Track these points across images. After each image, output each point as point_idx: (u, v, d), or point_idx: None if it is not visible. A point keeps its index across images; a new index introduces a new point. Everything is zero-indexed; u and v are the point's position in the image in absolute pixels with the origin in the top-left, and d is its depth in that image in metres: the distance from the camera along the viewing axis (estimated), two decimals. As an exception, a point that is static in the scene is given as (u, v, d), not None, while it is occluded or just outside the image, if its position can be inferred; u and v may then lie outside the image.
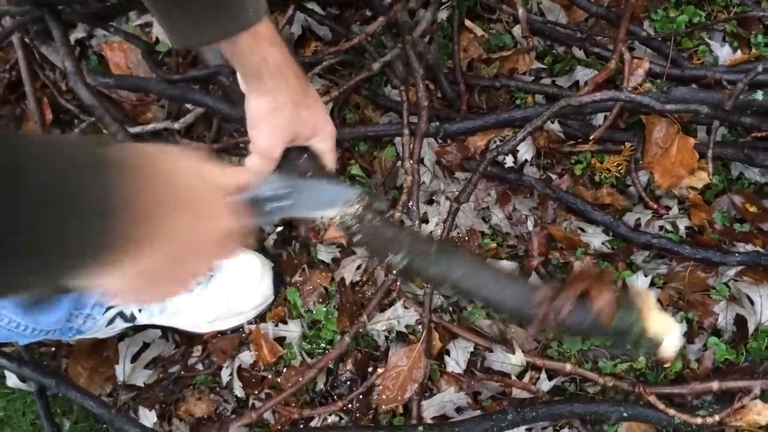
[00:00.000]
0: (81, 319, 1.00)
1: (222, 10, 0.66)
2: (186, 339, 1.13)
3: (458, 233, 1.13)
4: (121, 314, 1.06)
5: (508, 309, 0.64)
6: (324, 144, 0.78)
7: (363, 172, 1.17)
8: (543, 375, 1.02)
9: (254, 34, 0.69)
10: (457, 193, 1.09)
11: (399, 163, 1.17)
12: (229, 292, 1.09)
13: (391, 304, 1.08)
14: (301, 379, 1.04)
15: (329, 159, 0.79)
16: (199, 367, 1.12)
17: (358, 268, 1.10)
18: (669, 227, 1.09)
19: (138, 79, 1.16)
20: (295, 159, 0.77)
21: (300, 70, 0.75)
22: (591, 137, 1.03)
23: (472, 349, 1.05)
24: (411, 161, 1.00)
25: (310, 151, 0.78)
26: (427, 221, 1.14)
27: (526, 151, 1.13)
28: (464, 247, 1.12)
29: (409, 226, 1.02)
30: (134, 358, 1.12)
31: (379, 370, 1.05)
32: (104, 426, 1.08)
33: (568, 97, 0.97)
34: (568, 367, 0.98)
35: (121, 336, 1.13)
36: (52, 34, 1.06)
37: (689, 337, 1.04)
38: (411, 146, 1.00)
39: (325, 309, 1.11)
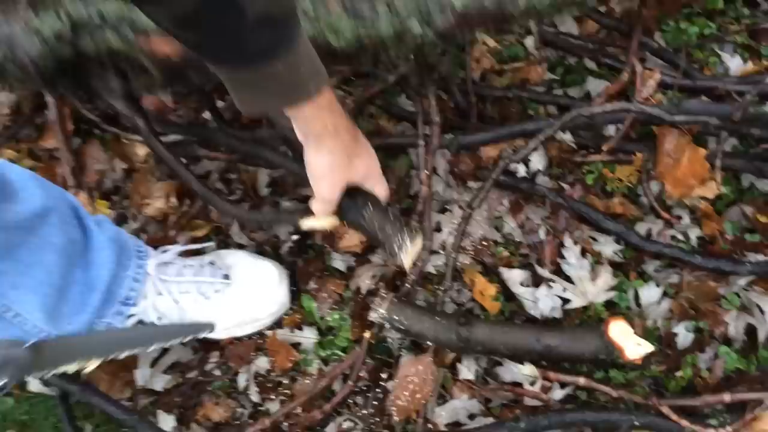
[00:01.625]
0: (102, 326, 1.02)
1: (287, 85, 0.74)
2: (203, 345, 1.16)
3: (471, 241, 1.15)
4: (141, 322, 1.09)
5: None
6: (375, 182, 0.93)
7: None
8: (555, 383, 1.03)
9: (316, 104, 0.77)
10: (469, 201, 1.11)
11: (413, 171, 1.19)
12: (246, 299, 1.11)
13: (405, 311, 1.10)
14: (316, 385, 1.06)
15: (381, 192, 0.94)
16: (217, 372, 1.14)
17: (373, 277, 1.11)
18: (680, 237, 1.10)
19: (205, 129, 1.19)
20: (354, 197, 0.92)
21: (352, 125, 0.86)
22: (603, 148, 1.04)
23: (484, 360, 1.07)
24: (426, 172, 1.02)
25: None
26: (439, 230, 1.15)
27: (538, 161, 1.15)
28: (478, 255, 1.14)
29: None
30: (153, 363, 1.14)
31: (392, 381, 1.06)
32: (125, 430, 1.10)
33: (580, 108, 0.99)
34: (582, 380, 0.98)
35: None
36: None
37: (700, 346, 1.05)
38: (425, 157, 1.02)
39: (338, 316, 1.13)
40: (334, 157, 0.85)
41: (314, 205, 0.92)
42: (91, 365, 0.75)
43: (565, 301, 1.07)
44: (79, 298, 0.94)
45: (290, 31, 0.71)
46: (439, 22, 0.90)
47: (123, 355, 0.76)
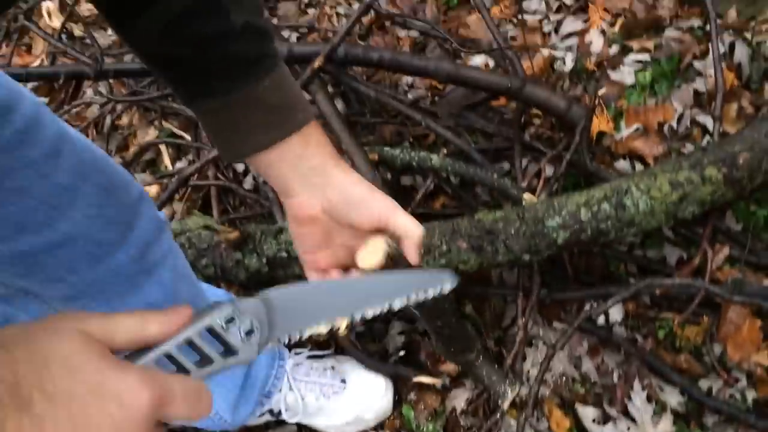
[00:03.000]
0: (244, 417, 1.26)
1: (277, 111, 0.67)
2: (312, 438, 1.38)
3: (552, 375, 1.34)
4: (270, 410, 1.32)
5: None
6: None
7: (475, 311, 1.41)
8: None
9: (311, 133, 0.69)
10: (553, 340, 1.31)
11: (505, 306, 1.41)
12: (357, 403, 1.33)
13: None
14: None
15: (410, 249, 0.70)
16: (324, 462, 1.36)
17: (467, 400, 1.32)
18: (738, 396, 1.26)
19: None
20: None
21: (343, 163, 0.71)
22: (676, 321, 1.23)
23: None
24: (522, 320, 1.24)
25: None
26: (524, 358, 1.35)
27: (616, 313, 1.35)
28: (557, 389, 1.33)
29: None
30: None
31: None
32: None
33: (654, 280, 1.19)
34: None
35: (265, 425, 1.38)
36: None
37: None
38: (524, 308, 1.24)
39: (433, 428, 1.33)
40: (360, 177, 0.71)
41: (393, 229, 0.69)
42: (341, 325, 0.61)
43: (630, 439, 1.24)
44: (249, 393, 1.19)
45: (274, 45, 0.68)
46: (545, 252, 1.18)
47: (371, 313, 0.61)
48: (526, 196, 1.33)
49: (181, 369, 0.51)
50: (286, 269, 1.27)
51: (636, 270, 1.39)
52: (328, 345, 1.44)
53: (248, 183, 1.71)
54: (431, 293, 0.66)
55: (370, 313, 0.63)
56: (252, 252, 1.28)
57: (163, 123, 1.85)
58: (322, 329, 0.61)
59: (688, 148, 1.50)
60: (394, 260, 0.73)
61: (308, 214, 0.70)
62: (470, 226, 1.24)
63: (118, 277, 0.89)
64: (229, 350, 0.54)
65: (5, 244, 0.79)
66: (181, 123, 1.84)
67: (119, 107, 1.86)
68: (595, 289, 1.31)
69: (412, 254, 0.69)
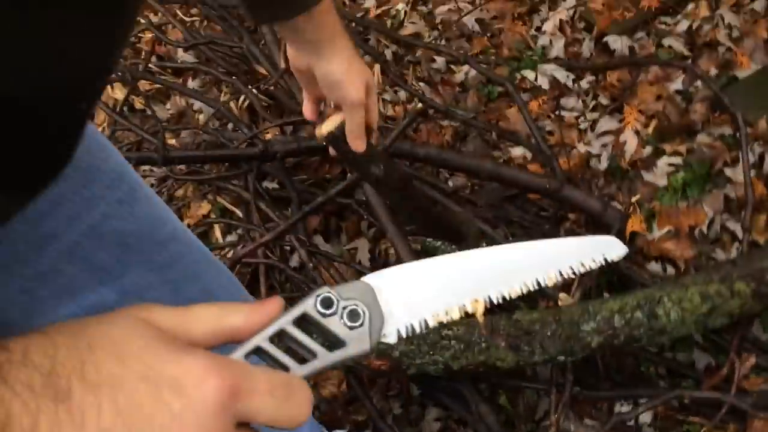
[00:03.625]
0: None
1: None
2: None
3: (581, 470, 1.39)
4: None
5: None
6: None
7: (509, 403, 1.48)
8: None
9: (325, 4, 0.83)
10: (583, 435, 1.37)
11: (538, 399, 1.47)
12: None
13: None
14: None
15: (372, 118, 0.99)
16: None
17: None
18: (764, 504, 1.30)
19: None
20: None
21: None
22: (703, 428, 1.29)
23: None
24: (555, 414, 1.30)
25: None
26: (555, 451, 1.41)
27: (645, 414, 1.40)
28: None
29: None
30: None
31: None
32: None
33: (682, 390, 1.25)
34: None
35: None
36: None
37: None
38: (557, 404, 1.31)
39: None
40: (353, 53, 0.89)
41: (335, 118, 0.98)
42: (476, 308, 0.50)
43: None
44: None
45: None
46: (579, 354, 1.26)
47: (515, 291, 0.51)
48: (562, 296, 1.41)
49: (280, 366, 0.43)
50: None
51: (665, 372, 1.45)
52: (366, 425, 1.51)
53: (294, 261, 1.81)
54: (589, 263, 0.54)
55: (514, 291, 0.52)
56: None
57: (217, 198, 1.96)
58: (453, 315, 0.50)
59: (718, 253, 1.57)
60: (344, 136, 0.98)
61: (297, 67, 0.93)
62: (509, 325, 1.31)
63: None
64: (333, 342, 0.45)
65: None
66: (233, 199, 1.95)
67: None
68: (626, 390, 1.37)
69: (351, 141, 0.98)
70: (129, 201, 0.71)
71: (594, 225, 1.63)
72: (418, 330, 0.49)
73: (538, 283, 0.53)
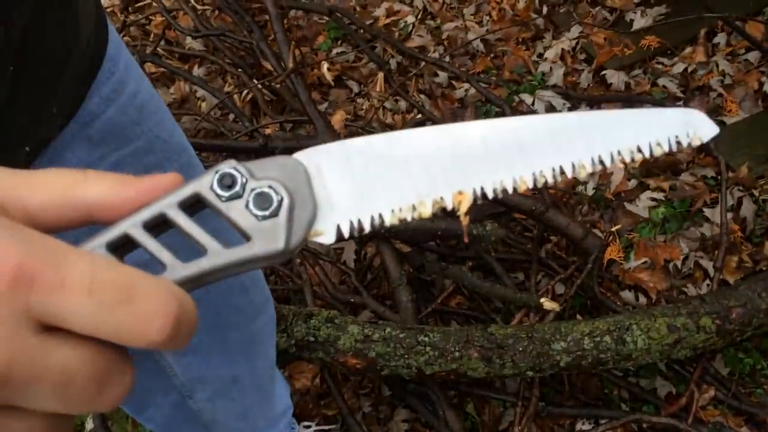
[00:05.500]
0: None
1: None
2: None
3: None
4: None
5: None
6: None
7: (475, 411, 1.53)
8: None
9: None
10: (544, 450, 1.42)
11: (504, 411, 1.53)
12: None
13: None
14: None
15: None
16: None
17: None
18: None
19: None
20: None
21: None
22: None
23: None
24: (518, 427, 1.35)
25: None
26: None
27: (604, 435, 1.46)
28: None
29: None
30: None
31: None
32: None
33: (640, 414, 1.31)
34: None
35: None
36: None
37: None
38: (521, 417, 1.36)
39: None
40: None
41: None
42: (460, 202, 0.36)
43: None
44: None
45: None
46: (548, 372, 1.32)
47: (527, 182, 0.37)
48: (547, 304, 1.47)
49: (155, 263, 0.32)
50: (311, 353, 1.39)
51: (628, 395, 1.51)
52: (335, 420, 1.56)
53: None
54: (658, 140, 0.38)
55: (523, 180, 0.37)
56: (283, 332, 1.40)
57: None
58: (423, 211, 0.36)
59: (690, 288, 1.63)
60: None
61: None
62: (482, 337, 1.37)
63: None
64: (233, 236, 0.33)
65: None
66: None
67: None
68: (588, 410, 1.43)
69: None
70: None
71: (574, 249, 1.69)
72: (368, 228, 0.36)
73: (564, 170, 0.37)
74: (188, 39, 2.39)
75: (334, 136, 1.77)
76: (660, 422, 1.31)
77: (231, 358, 1.09)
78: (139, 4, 2.59)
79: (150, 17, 2.50)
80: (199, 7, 2.50)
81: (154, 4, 2.38)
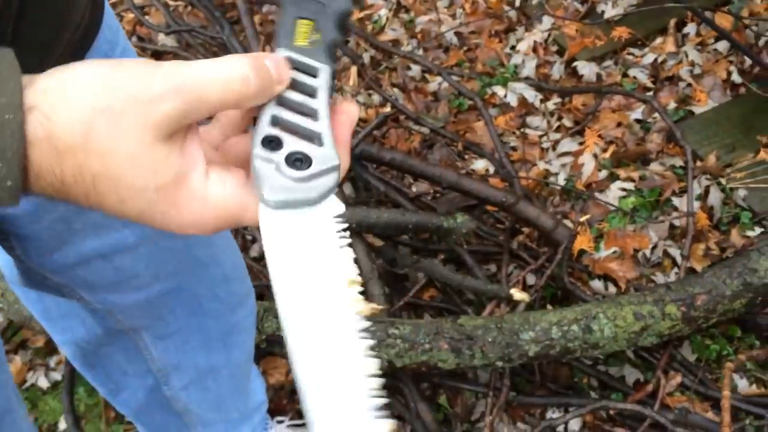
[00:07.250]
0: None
1: None
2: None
3: (510, 472, 1.47)
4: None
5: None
6: None
7: (448, 402, 1.54)
8: None
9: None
10: (516, 439, 1.44)
11: (476, 401, 1.54)
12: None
13: None
14: None
15: None
16: None
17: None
18: None
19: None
20: None
21: None
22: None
23: None
24: (490, 417, 1.37)
25: None
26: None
27: (575, 422, 1.48)
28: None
29: None
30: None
31: None
32: None
33: (607, 401, 1.33)
34: None
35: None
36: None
37: None
38: (492, 407, 1.38)
39: (397, 506, 1.45)
40: None
41: None
42: None
43: None
44: None
45: None
46: (517, 362, 1.34)
47: None
48: (517, 295, 1.48)
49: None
50: (282, 348, 1.39)
51: (597, 383, 1.53)
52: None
53: (255, 251, 1.85)
54: None
55: None
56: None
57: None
58: None
59: (659, 276, 1.65)
60: None
61: None
62: (452, 329, 1.38)
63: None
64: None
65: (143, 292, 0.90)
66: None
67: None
68: (558, 398, 1.45)
69: None
70: None
71: (545, 240, 1.70)
72: None
73: None
74: (161, 36, 2.38)
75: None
76: (626, 408, 1.33)
77: (208, 347, 1.10)
78: (111, 1, 2.57)
79: (122, 14, 2.49)
80: (171, 2, 2.48)
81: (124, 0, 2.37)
